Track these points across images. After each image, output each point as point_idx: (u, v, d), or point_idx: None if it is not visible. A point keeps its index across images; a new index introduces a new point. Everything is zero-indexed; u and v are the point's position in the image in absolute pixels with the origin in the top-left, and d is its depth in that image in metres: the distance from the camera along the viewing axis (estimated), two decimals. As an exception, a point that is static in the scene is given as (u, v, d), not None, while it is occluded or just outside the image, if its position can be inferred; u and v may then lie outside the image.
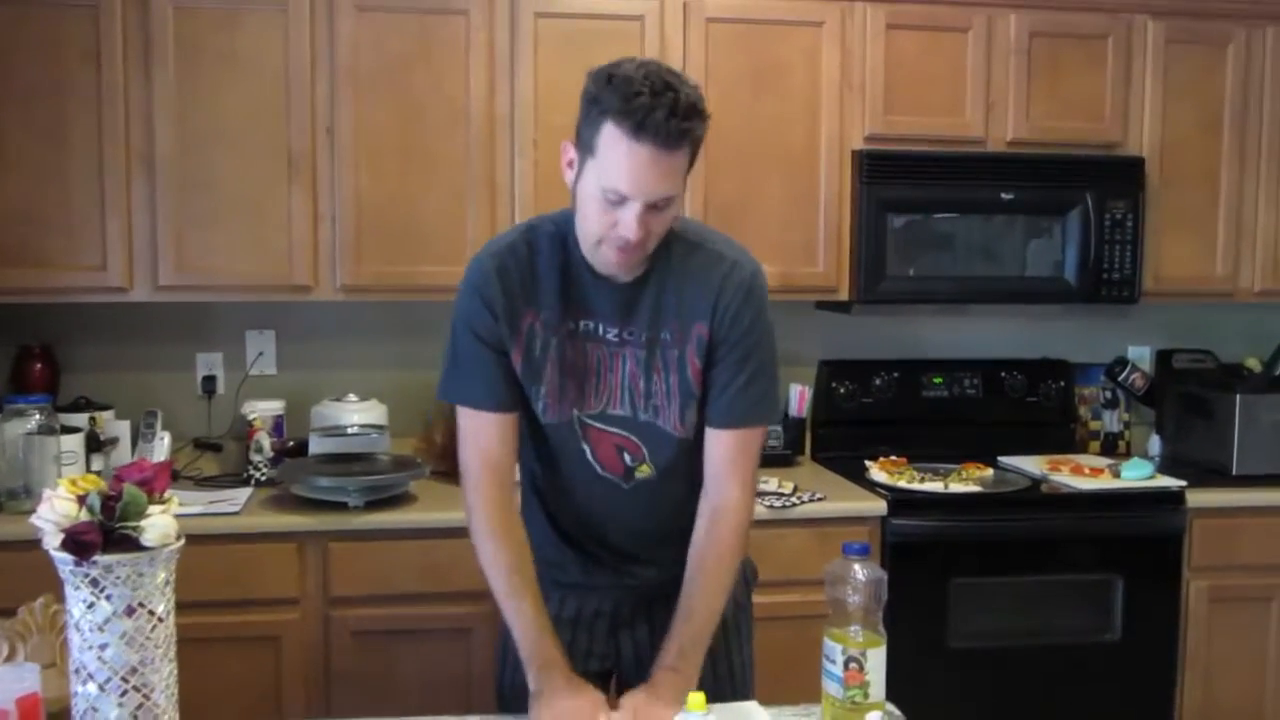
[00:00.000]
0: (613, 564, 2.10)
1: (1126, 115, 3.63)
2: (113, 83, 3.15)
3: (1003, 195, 3.53)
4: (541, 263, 1.94)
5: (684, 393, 1.96)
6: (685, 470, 2.03)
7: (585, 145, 1.79)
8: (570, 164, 1.86)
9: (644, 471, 2.01)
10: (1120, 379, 3.94)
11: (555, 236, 1.95)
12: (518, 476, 2.09)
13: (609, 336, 1.95)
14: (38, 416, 3.05)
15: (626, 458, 2.00)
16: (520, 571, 1.95)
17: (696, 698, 1.59)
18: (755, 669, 2.22)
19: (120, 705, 1.41)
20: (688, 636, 1.91)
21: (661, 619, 2.03)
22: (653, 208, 1.78)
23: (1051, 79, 3.57)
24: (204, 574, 2.83)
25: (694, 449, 2.02)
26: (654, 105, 1.70)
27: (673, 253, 1.93)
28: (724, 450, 1.99)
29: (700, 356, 1.95)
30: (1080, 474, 3.53)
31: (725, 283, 1.94)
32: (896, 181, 3.47)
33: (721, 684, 2.08)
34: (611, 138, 1.74)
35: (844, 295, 3.54)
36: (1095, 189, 3.56)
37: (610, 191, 1.76)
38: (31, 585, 1.95)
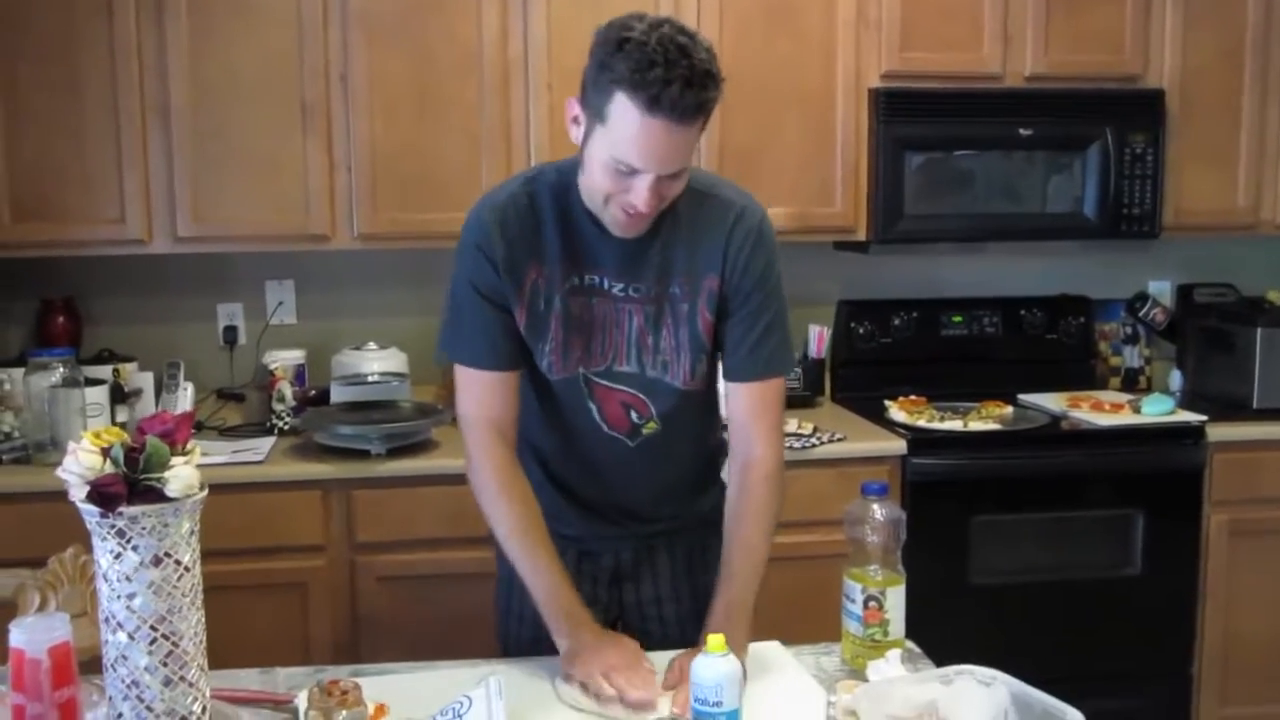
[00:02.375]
0: (614, 518, 2.08)
1: (1146, 47, 3.59)
2: (125, 35, 3.14)
3: (1021, 131, 3.50)
4: (544, 215, 1.89)
5: (695, 347, 1.94)
6: (690, 424, 2.03)
7: (595, 110, 1.72)
8: (576, 121, 1.79)
9: (650, 428, 1.99)
10: (1141, 314, 3.92)
11: (558, 187, 1.90)
12: None
13: (614, 291, 1.91)
14: (62, 369, 3.07)
15: (634, 415, 1.98)
16: (534, 528, 1.92)
17: (716, 639, 1.61)
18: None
19: (150, 653, 1.43)
20: (733, 595, 1.89)
21: (664, 568, 2.07)
22: (665, 177, 1.74)
23: (1070, 12, 3.53)
24: (230, 522, 2.87)
25: (699, 402, 2.01)
26: (669, 78, 1.63)
27: (679, 204, 1.87)
28: (748, 404, 1.97)
29: (711, 309, 1.92)
30: (1100, 410, 3.53)
31: (734, 232, 1.91)
32: (914, 119, 3.45)
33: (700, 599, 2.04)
34: (624, 110, 1.67)
35: (862, 235, 3.53)
36: (1115, 123, 3.52)
37: (622, 163, 1.71)
38: (61, 536, 1.99)
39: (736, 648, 1.70)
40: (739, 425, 1.98)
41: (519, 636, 2.11)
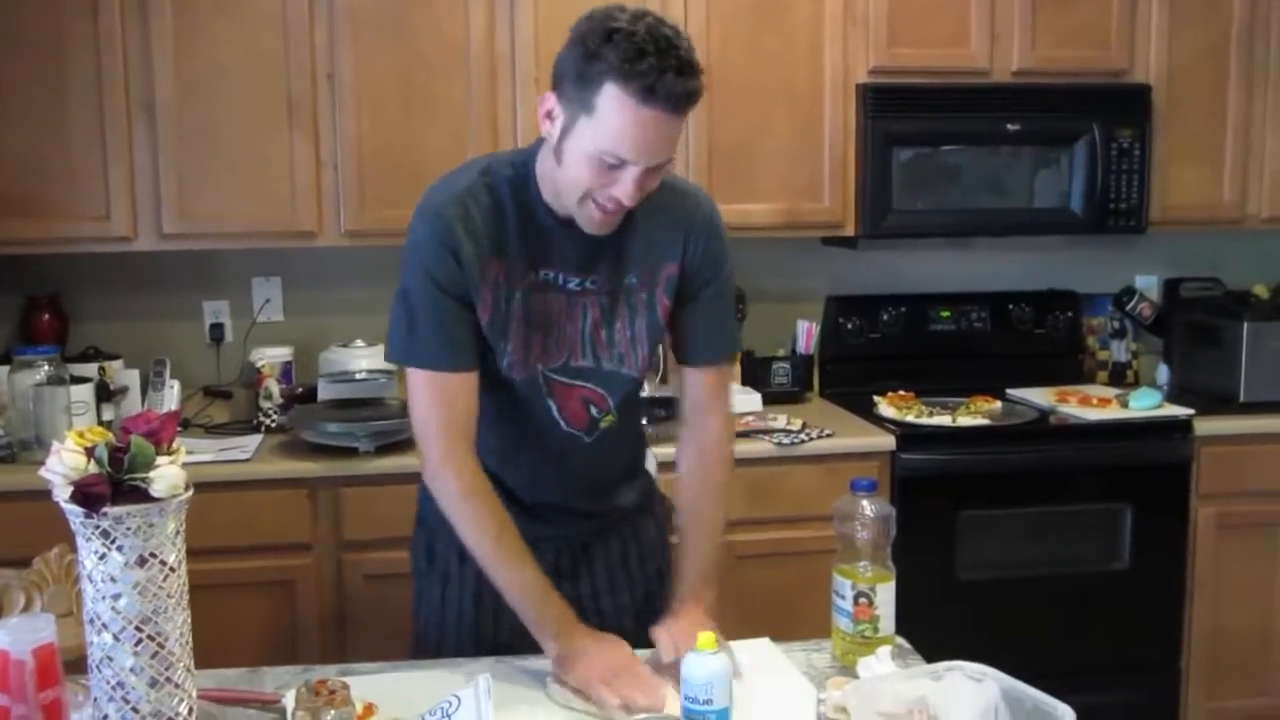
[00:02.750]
0: (553, 519, 2.03)
1: (1133, 42, 3.59)
2: (110, 30, 3.13)
3: (1009, 126, 3.50)
4: (504, 209, 1.83)
5: (652, 334, 1.94)
6: (634, 413, 2.07)
7: (579, 102, 1.68)
8: (550, 115, 1.74)
9: (608, 421, 1.97)
10: (1128, 309, 3.93)
11: (514, 181, 1.84)
12: None
13: (569, 286, 1.87)
14: (47, 367, 3.06)
15: (592, 410, 1.95)
16: (508, 530, 1.86)
17: (707, 637, 1.60)
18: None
19: (135, 654, 1.43)
20: (700, 568, 1.96)
21: (600, 563, 2.07)
22: (650, 169, 1.72)
23: (1057, 7, 3.53)
24: (216, 521, 2.86)
25: (640, 387, 2.03)
26: (663, 67, 1.61)
27: None
28: (707, 386, 2.00)
29: (670, 295, 1.93)
30: (1088, 404, 3.53)
31: (692, 222, 1.92)
32: (901, 115, 3.45)
33: (648, 620, 2.01)
34: (615, 100, 1.64)
35: (850, 231, 3.53)
36: (1102, 118, 3.52)
37: (610, 155, 1.68)
38: (46, 535, 1.97)
39: (710, 611, 1.85)
40: (696, 408, 2.01)
41: (440, 642, 2.05)
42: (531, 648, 1.87)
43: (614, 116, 1.65)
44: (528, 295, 1.86)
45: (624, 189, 1.71)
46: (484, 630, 2.02)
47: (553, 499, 2.03)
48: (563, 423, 1.94)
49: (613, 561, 2.10)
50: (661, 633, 1.84)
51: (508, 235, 1.83)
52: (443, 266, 1.81)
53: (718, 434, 2.02)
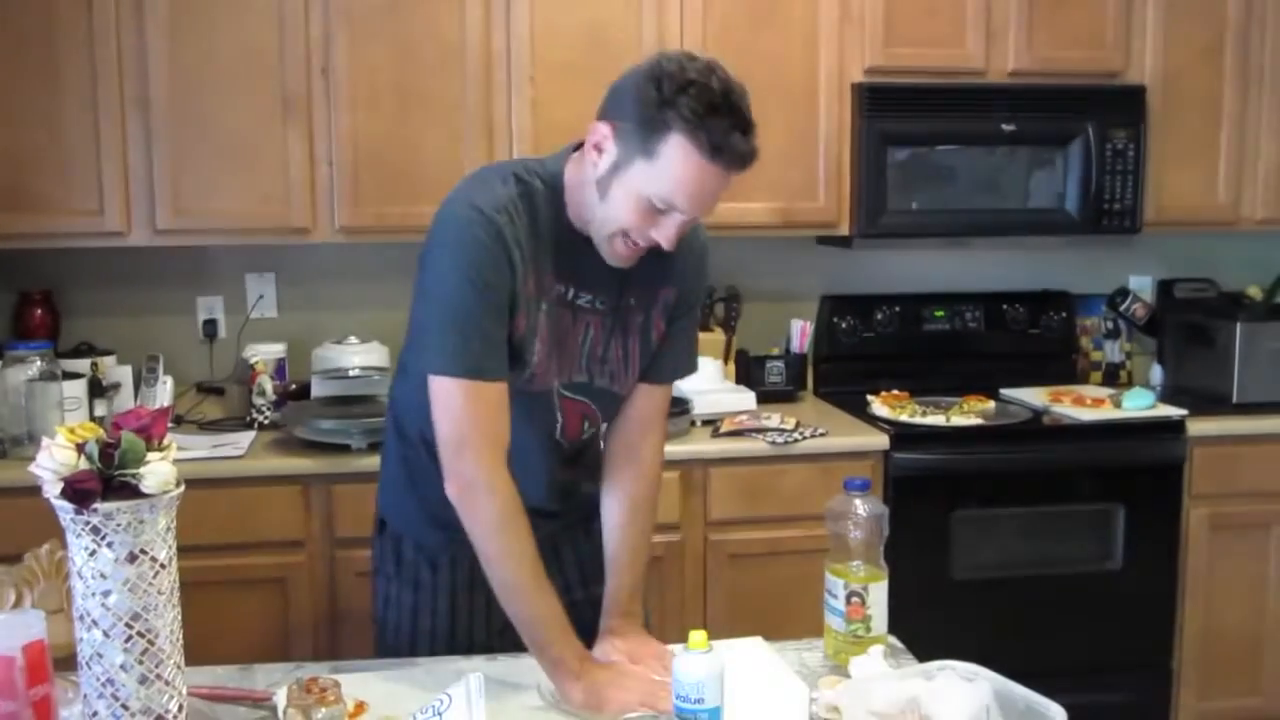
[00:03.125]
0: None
1: (1128, 43, 3.59)
2: (104, 24, 3.12)
3: (1004, 127, 3.50)
4: (540, 223, 1.80)
5: (644, 356, 1.96)
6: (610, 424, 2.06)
7: (639, 144, 1.66)
8: (599, 147, 1.72)
9: (590, 434, 2.00)
10: (1121, 309, 3.94)
11: (548, 197, 1.82)
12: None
13: (580, 303, 1.87)
14: (39, 363, 3.05)
15: (586, 424, 1.97)
16: (539, 567, 1.80)
17: (698, 636, 1.60)
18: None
19: (125, 651, 1.42)
20: (635, 579, 1.99)
21: (571, 562, 2.08)
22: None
23: (1052, 7, 3.53)
24: (209, 517, 2.86)
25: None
26: (733, 125, 1.64)
27: None
28: (653, 404, 2.03)
29: (665, 319, 1.96)
30: (1082, 405, 3.54)
31: (690, 247, 1.93)
32: (897, 114, 3.45)
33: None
34: (681, 150, 1.63)
35: (845, 230, 3.53)
36: (1097, 119, 3.53)
37: (663, 201, 1.68)
38: (37, 531, 1.96)
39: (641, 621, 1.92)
40: (641, 423, 2.02)
41: (413, 648, 2.03)
42: (508, 649, 1.87)
43: (677, 166, 1.65)
44: (552, 309, 1.84)
45: (666, 234, 1.73)
46: (459, 637, 2.02)
47: (526, 503, 1.95)
48: (559, 434, 1.95)
49: (582, 556, 2.10)
50: (614, 654, 1.86)
51: (542, 248, 1.81)
52: (496, 271, 1.75)
53: (656, 452, 2.04)
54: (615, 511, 2.01)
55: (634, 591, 1.98)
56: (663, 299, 1.93)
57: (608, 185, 1.72)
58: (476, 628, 1.98)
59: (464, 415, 1.76)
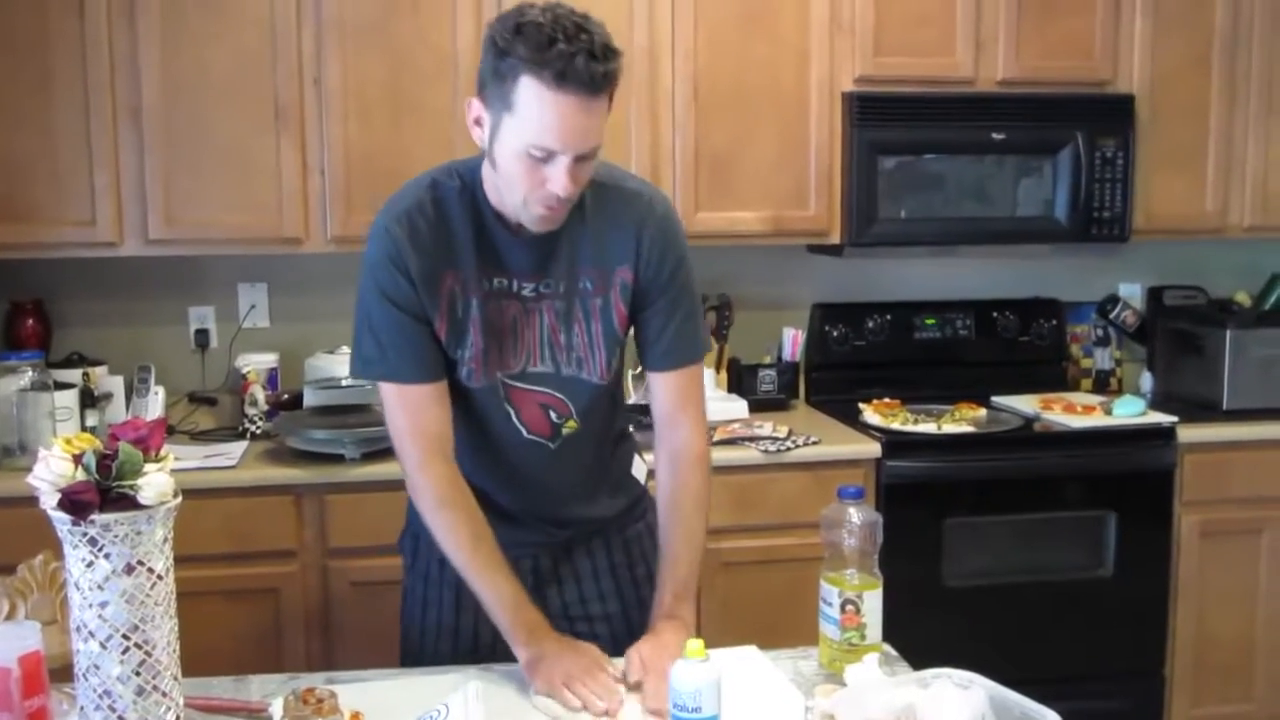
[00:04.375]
0: (532, 524, 2.04)
1: (1116, 52, 3.61)
2: (96, 32, 3.12)
3: (993, 135, 3.52)
4: (453, 221, 1.84)
5: (609, 340, 1.92)
6: (606, 420, 2.03)
7: (500, 101, 1.69)
8: (478, 122, 1.76)
9: (570, 427, 1.96)
10: (1111, 316, 3.95)
11: (462, 192, 1.85)
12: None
13: (524, 292, 1.87)
14: (31, 373, 3.05)
15: (553, 415, 1.95)
16: (484, 540, 1.88)
17: (696, 645, 1.61)
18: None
19: (122, 662, 1.42)
20: (679, 582, 1.93)
21: (585, 568, 2.06)
22: (580, 159, 1.71)
23: (1042, 17, 3.55)
24: (201, 528, 2.85)
25: (611, 399, 2.02)
26: (573, 51, 1.62)
27: (584, 199, 1.85)
28: (671, 392, 1.98)
29: (625, 301, 1.91)
30: (1072, 412, 3.55)
31: (644, 224, 1.89)
32: (887, 123, 3.46)
33: (632, 624, 2.05)
34: (531, 91, 1.65)
35: (836, 238, 3.54)
36: (1085, 127, 3.54)
37: (536, 148, 1.68)
38: (30, 542, 1.96)
39: (687, 629, 1.82)
40: (665, 414, 1.99)
41: (435, 651, 2.06)
42: (511, 654, 1.87)
43: (532, 107, 1.66)
44: (484, 303, 1.86)
45: (558, 182, 1.71)
46: (463, 634, 2.03)
47: (528, 505, 2.02)
48: (523, 429, 1.94)
49: (598, 567, 2.09)
50: (633, 652, 1.84)
51: (458, 246, 1.84)
52: (394, 284, 1.83)
53: (689, 439, 1.99)
54: (661, 511, 2.00)
55: (678, 594, 1.92)
56: (618, 280, 1.89)
57: (493, 154, 1.75)
58: (483, 627, 1.96)
59: (397, 416, 1.89)
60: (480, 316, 1.86)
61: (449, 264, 1.84)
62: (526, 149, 1.69)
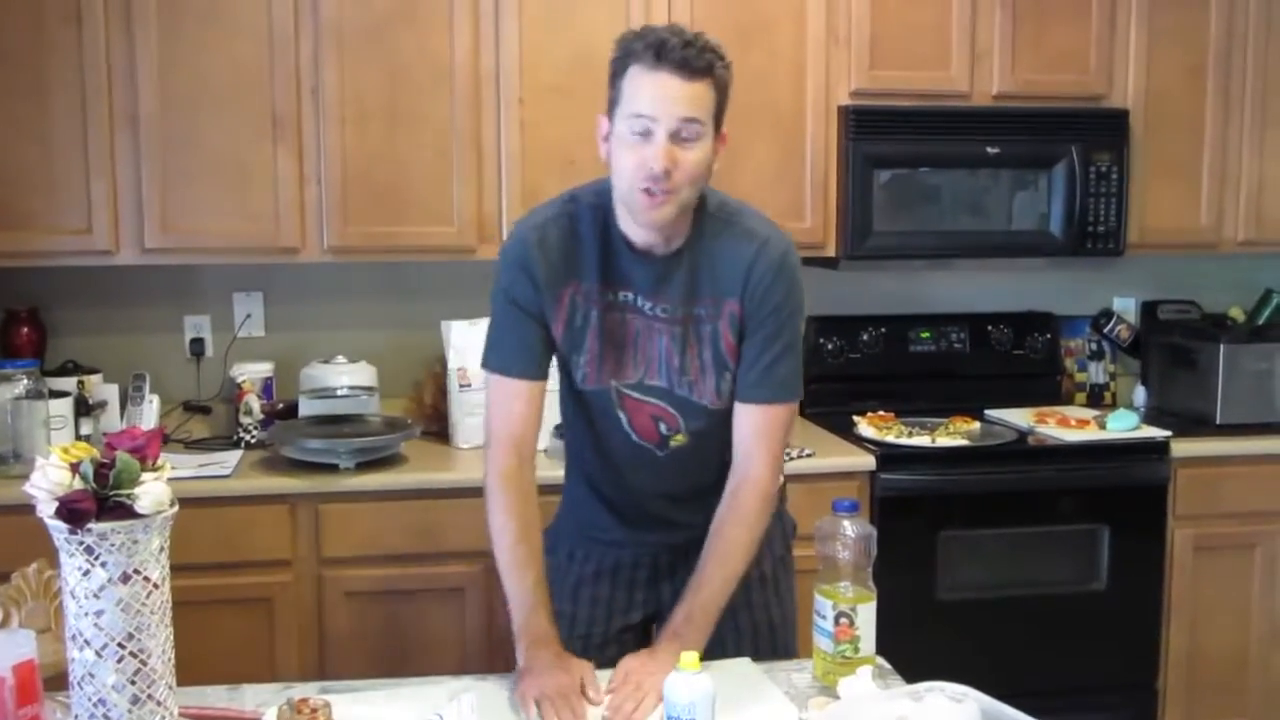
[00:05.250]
0: (650, 525, 2.13)
1: (1111, 67, 3.63)
2: (94, 41, 3.12)
3: (988, 149, 3.53)
4: (584, 234, 1.97)
5: (718, 366, 1.99)
6: (720, 437, 2.05)
7: (614, 99, 1.85)
8: (605, 137, 1.89)
9: (679, 440, 2.04)
10: (1105, 330, 3.97)
11: (596, 208, 1.97)
12: (544, 445, 2.20)
13: (645, 308, 1.97)
14: (25, 381, 3.05)
15: (662, 427, 2.03)
16: (523, 543, 1.97)
17: (690, 657, 1.61)
18: (794, 619, 2.23)
19: (118, 671, 1.42)
20: (698, 604, 1.93)
21: (625, 589, 2.13)
22: (678, 138, 1.81)
23: (1037, 32, 3.56)
24: (196, 537, 2.84)
25: (729, 417, 2.04)
26: (671, 37, 1.79)
27: (705, 230, 1.96)
28: (751, 425, 2.01)
29: (734, 332, 1.98)
30: (1066, 426, 3.56)
31: (756, 260, 1.95)
32: (883, 137, 3.47)
33: (761, 638, 2.11)
34: (635, 74, 1.81)
35: (831, 251, 3.55)
36: (1080, 142, 3.56)
37: (634, 119, 1.81)
38: (22, 550, 1.97)
39: (684, 646, 1.77)
40: (741, 445, 2.02)
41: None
42: (625, 648, 1.99)
43: (633, 85, 1.82)
44: (604, 314, 1.98)
45: (655, 156, 1.80)
46: (579, 621, 2.16)
47: (643, 508, 2.12)
48: (633, 434, 2.04)
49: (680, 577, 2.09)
50: (623, 662, 1.87)
51: (584, 259, 1.97)
52: (518, 285, 1.98)
53: (756, 474, 2.00)
54: (710, 530, 2.01)
55: (691, 615, 1.91)
56: (728, 311, 1.97)
57: (610, 153, 1.89)
58: (596, 620, 2.14)
59: (489, 404, 2.04)
60: (599, 326, 1.98)
61: (573, 274, 1.97)
62: (629, 126, 1.82)
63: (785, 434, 2.05)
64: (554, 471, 2.31)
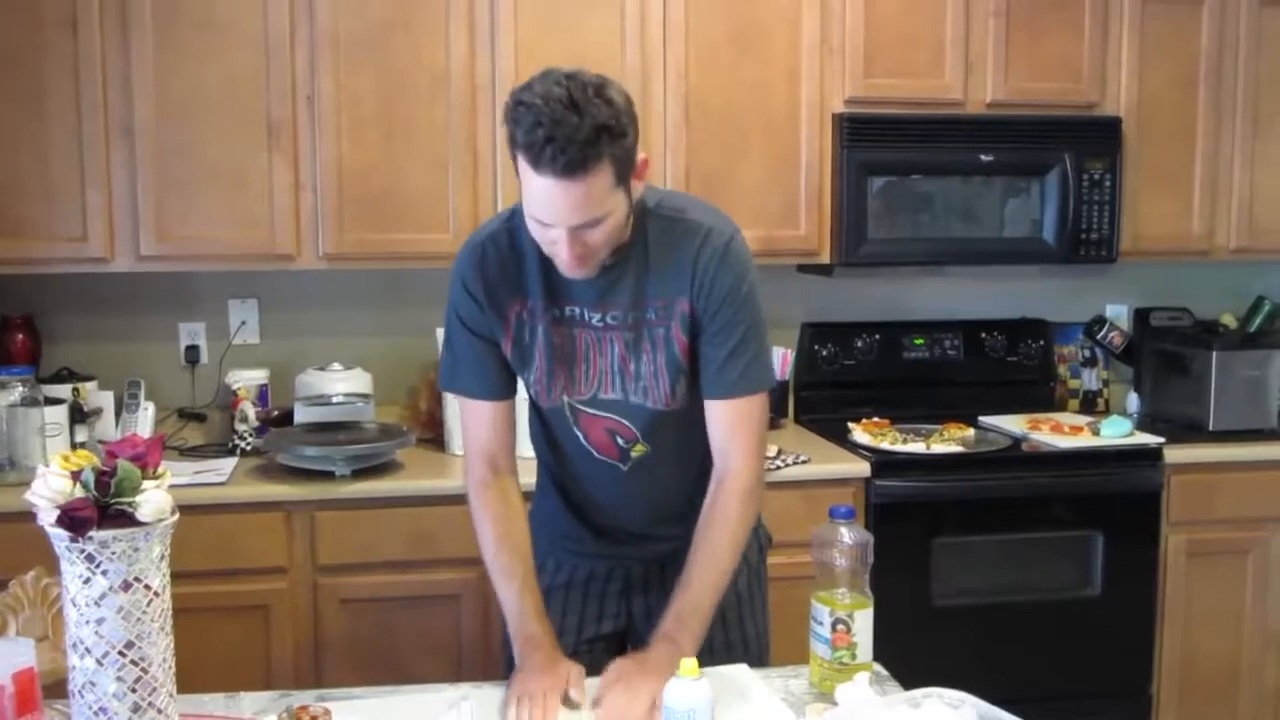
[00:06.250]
0: (624, 539, 2.14)
1: (1104, 75, 3.64)
2: (90, 49, 3.12)
3: (982, 157, 3.54)
4: (525, 251, 1.93)
5: (672, 369, 1.96)
6: (683, 446, 2.04)
7: (518, 173, 1.76)
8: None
9: (639, 451, 2.03)
10: (1099, 337, 3.98)
11: None
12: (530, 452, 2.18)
13: (593, 321, 1.94)
14: (21, 388, 3.04)
15: (619, 440, 2.02)
16: (507, 550, 1.99)
17: (689, 664, 1.61)
18: (768, 630, 2.23)
19: (118, 679, 1.42)
20: (686, 605, 1.90)
21: (674, 580, 2.01)
22: (581, 228, 1.75)
23: (1030, 40, 3.58)
24: (191, 544, 2.83)
25: (686, 421, 2.01)
26: (550, 137, 1.64)
27: (649, 232, 1.91)
28: (723, 421, 1.98)
29: (685, 331, 1.94)
30: (1060, 432, 3.57)
31: (700, 253, 1.91)
32: (877, 144, 3.48)
33: (734, 650, 2.10)
34: (524, 170, 1.71)
35: (825, 258, 3.55)
36: (1073, 149, 3.57)
37: (534, 219, 1.77)
38: (20, 558, 1.96)
39: (682, 653, 1.74)
40: (717, 443, 1.99)
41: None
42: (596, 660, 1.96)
43: (526, 185, 1.73)
44: (549, 329, 1.96)
45: (560, 250, 1.77)
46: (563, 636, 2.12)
47: (614, 523, 2.13)
48: (593, 450, 2.04)
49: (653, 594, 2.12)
50: (614, 665, 1.85)
51: (527, 276, 1.94)
52: (465, 307, 1.99)
53: (735, 470, 1.97)
54: (696, 532, 1.98)
55: (681, 616, 1.89)
56: (679, 311, 1.93)
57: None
58: (566, 632, 2.10)
59: (463, 425, 2.08)
60: (545, 343, 1.96)
61: (517, 292, 1.95)
62: (530, 217, 1.78)
63: (760, 425, 2.01)
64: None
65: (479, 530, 2.03)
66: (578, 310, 1.94)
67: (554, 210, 1.73)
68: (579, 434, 2.03)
